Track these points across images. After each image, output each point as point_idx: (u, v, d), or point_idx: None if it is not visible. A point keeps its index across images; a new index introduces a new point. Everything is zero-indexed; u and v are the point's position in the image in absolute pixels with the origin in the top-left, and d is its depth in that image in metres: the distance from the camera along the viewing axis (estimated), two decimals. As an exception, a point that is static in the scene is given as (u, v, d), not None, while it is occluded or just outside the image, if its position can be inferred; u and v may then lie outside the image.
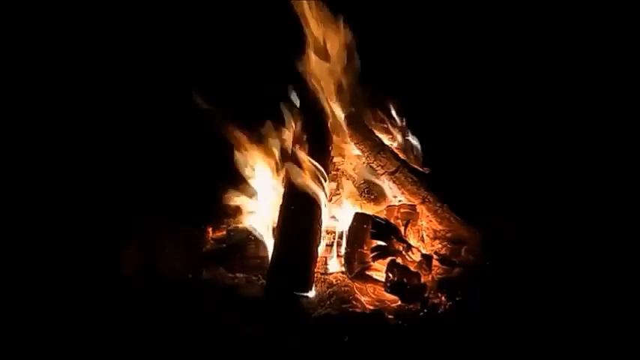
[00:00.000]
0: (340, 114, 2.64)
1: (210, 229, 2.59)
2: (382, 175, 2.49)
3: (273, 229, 2.40)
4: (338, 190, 2.60)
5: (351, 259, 2.24)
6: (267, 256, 2.31)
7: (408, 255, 2.25)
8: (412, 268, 2.19)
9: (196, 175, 2.81)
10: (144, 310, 2.07)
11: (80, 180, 2.86)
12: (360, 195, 2.55)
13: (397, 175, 2.45)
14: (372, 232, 2.25)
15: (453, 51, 3.42)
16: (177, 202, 2.69)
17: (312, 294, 2.15)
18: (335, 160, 2.67)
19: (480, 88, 3.32)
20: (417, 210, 2.47)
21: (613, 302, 2.00)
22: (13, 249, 2.40)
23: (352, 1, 2.64)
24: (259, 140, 2.61)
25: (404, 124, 2.75)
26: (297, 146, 2.50)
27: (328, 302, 2.12)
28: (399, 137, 2.72)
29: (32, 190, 2.79)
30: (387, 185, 2.53)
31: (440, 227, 2.41)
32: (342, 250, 2.34)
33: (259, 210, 2.59)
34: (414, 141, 2.72)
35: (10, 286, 2.20)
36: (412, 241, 2.39)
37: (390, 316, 2.02)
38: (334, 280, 2.25)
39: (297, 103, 2.72)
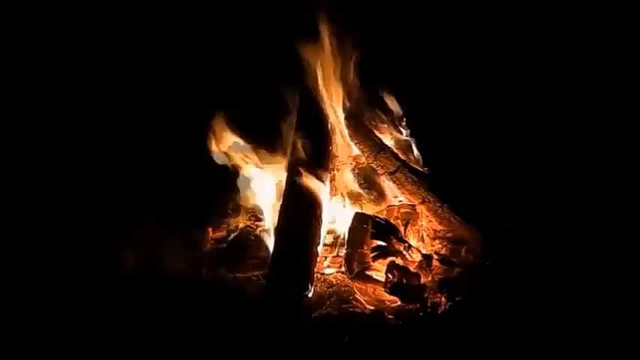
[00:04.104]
0: (340, 114, 2.64)
1: (210, 229, 2.59)
2: (382, 175, 2.49)
3: (274, 229, 2.40)
4: (338, 190, 2.60)
5: (351, 259, 2.24)
6: (267, 256, 2.31)
7: (409, 254, 2.25)
8: (412, 269, 2.19)
9: (196, 175, 2.81)
10: (144, 310, 2.07)
11: (80, 180, 2.87)
12: (360, 195, 2.55)
13: (397, 175, 2.45)
14: (372, 232, 2.25)
15: (453, 51, 3.42)
16: (177, 202, 2.69)
17: (311, 294, 2.15)
18: (335, 160, 2.67)
19: (479, 89, 3.32)
20: (417, 210, 2.47)
21: (613, 302, 1.99)
22: (13, 249, 2.40)
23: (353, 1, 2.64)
24: (259, 140, 2.62)
25: (404, 124, 2.75)
26: (297, 146, 2.50)
27: (328, 302, 2.12)
28: (399, 137, 2.72)
29: (32, 190, 2.80)
30: (387, 185, 2.53)
31: (440, 227, 2.41)
32: (342, 250, 2.34)
33: (259, 210, 2.59)
34: (413, 141, 2.72)
35: (11, 286, 2.20)
36: (412, 241, 2.39)
37: (390, 316, 2.02)
38: (334, 280, 2.25)
39: (297, 103, 2.72)
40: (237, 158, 2.61)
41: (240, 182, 2.62)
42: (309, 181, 2.35)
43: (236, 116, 2.68)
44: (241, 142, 2.62)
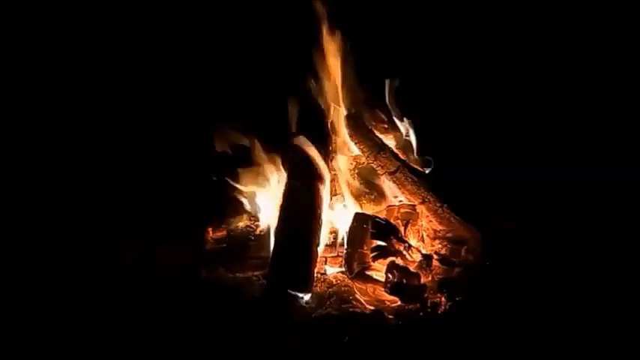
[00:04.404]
0: (340, 114, 2.64)
1: (210, 229, 2.59)
2: (382, 175, 2.49)
3: (274, 229, 2.40)
4: (338, 190, 2.59)
5: (351, 259, 2.24)
6: (267, 256, 2.31)
7: (409, 254, 2.25)
8: (412, 269, 2.19)
9: (196, 175, 2.81)
10: (144, 309, 2.07)
11: (80, 180, 2.87)
12: (360, 195, 2.55)
13: (397, 175, 2.45)
14: (372, 232, 2.25)
15: (453, 51, 3.42)
16: (177, 202, 2.69)
17: (311, 294, 2.15)
18: (335, 160, 2.67)
19: (479, 88, 3.32)
20: (417, 210, 2.47)
21: (613, 302, 1.99)
22: (13, 249, 2.40)
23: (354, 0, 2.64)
24: (259, 140, 2.62)
25: (404, 124, 2.75)
26: (297, 146, 2.50)
27: (328, 302, 2.12)
28: (399, 137, 2.71)
29: (32, 190, 2.79)
30: (387, 185, 2.53)
31: (440, 227, 2.41)
32: (342, 250, 2.34)
33: (259, 210, 2.59)
34: (413, 141, 2.72)
35: (11, 286, 2.20)
36: (412, 241, 2.39)
37: (390, 316, 2.02)
38: (334, 280, 2.25)
39: (297, 103, 2.71)
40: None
41: (239, 182, 2.62)
42: (309, 181, 2.35)
43: (236, 116, 2.68)
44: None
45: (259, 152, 2.60)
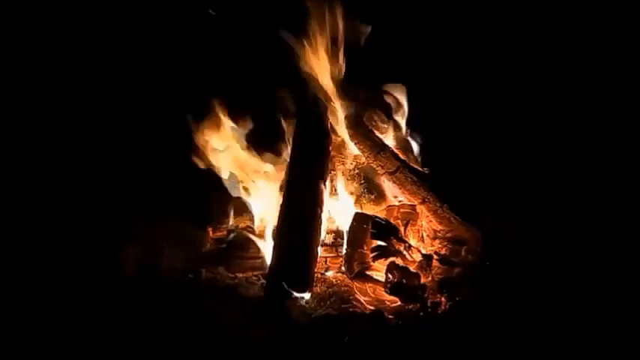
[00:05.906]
0: (340, 114, 2.64)
1: (210, 229, 2.59)
2: (382, 175, 2.49)
3: (274, 229, 2.40)
4: (338, 190, 2.60)
5: (351, 259, 2.25)
6: (267, 256, 2.31)
7: (409, 254, 2.25)
8: (412, 269, 2.19)
9: (196, 175, 2.81)
10: (144, 310, 2.07)
11: (80, 180, 2.87)
12: (360, 195, 2.55)
13: (397, 175, 2.45)
14: (372, 232, 2.25)
15: (453, 51, 3.42)
16: (178, 202, 2.69)
17: (311, 294, 2.15)
18: (335, 160, 2.67)
19: (479, 88, 3.32)
20: (417, 210, 2.47)
21: (613, 302, 1.99)
22: (13, 249, 2.40)
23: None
24: (259, 140, 2.62)
25: (404, 124, 2.74)
26: (297, 146, 2.50)
27: (328, 302, 2.12)
28: (399, 137, 2.71)
29: (33, 190, 2.80)
30: (387, 185, 2.53)
31: (440, 227, 2.41)
32: (342, 250, 2.34)
33: (259, 210, 2.59)
34: (413, 141, 2.72)
35: (11, 286, 2.20)
36: (412, 241, 2.39)
37: (390, 316, 2.02)
38: (334, 280, 2.25)
39: (297, 103, 2.72)
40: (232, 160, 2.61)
41: (229, 183, 2.62)
42: (309, 181, 2.35)
43: (235, 117, 2.68)
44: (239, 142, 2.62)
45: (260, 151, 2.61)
